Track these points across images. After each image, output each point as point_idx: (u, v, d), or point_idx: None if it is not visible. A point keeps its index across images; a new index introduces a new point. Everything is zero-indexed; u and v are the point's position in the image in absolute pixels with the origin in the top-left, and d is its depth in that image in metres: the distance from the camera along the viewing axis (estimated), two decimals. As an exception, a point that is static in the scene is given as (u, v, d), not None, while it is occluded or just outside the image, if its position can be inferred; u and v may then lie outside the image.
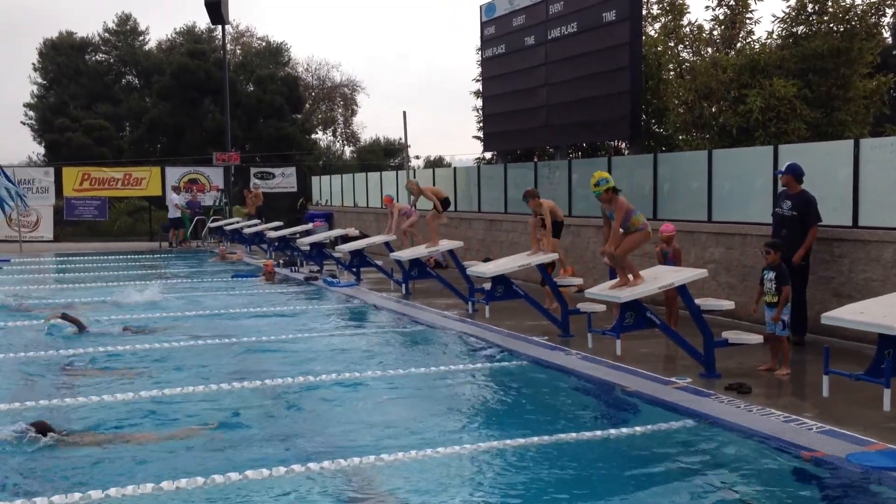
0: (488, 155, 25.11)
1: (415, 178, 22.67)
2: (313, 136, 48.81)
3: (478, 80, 23.62)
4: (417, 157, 48.57)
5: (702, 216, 12.22)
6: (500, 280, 11.14)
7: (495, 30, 19.72)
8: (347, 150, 53.22)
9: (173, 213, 26.15)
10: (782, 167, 9.53)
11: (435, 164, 44.95)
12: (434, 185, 21.45)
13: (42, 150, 43.56)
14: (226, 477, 5.52)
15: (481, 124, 22.62)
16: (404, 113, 19.10)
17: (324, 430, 6.77)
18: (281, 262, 19.61)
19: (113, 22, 46.41)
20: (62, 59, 43.58)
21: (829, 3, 15.85)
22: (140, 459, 6.04)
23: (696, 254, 11.92)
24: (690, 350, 8.26)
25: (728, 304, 8.76)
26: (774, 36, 16.96)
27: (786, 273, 8.12)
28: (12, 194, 24.20)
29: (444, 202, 14.90)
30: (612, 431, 6.56)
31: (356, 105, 53.48)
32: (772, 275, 8.10)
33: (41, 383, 8.39)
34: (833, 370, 6.80)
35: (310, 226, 23.01)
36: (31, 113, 45.06)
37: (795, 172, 9.39)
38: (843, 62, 15.58)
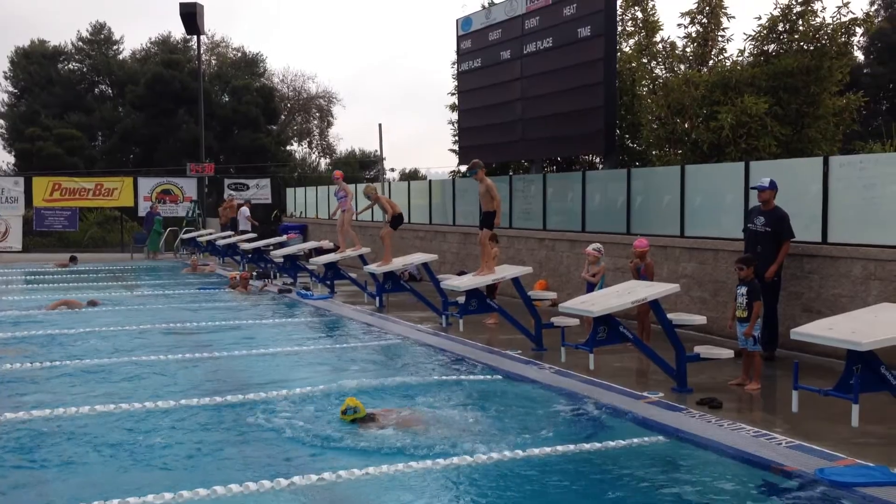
0: (463, 168, 25.16)
1: (390, 189, 22.66)
2: (288, 147, 48.69)
3: (453, 94, 23.70)
4: (393, 170, 48.59)
5: (674, 231, 12.31)
6: (474, 294, 11.13)
7: (471, 44, 19.81)
8: (323, 162, 53.12)
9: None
10: (763, 182, 9.57)
11: (410, 176, 44.95)
12: (409, 197, 21.48)
13: (12, 160, 43.09)
14: (193, 492, 5.44)
15: (457, 137, 22.68)
16: (380, 125, 19.08)
17: (295, 443, 6.70)
18: (254, 274, 19.47)
19: (87, 31, 46.13)
20: (34, 67, 43.16)
21: (800, 23, 16.09)
22: (106, 469, 5.94)
23: (668, 268, 11.99)
24: (663, 365, 8.29)
25: (700, 319, 8.81)
26: (746, 54, 17.18)
27: (757, 289, 8.19)
28: None
29: (398, 218, 14.57)
30: (585, 446, 6.56)
31: (332, 117, 53.45)
32: (743, 290, 8.18)
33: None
34: (802, 385, 6.84)
35: (284, 238, 22.88)
36: (1, 122, 44.53)
37: (776, 188, 9.49)
38: (813, 80, 15.81)
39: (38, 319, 13.30)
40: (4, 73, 44.38)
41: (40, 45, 44.41)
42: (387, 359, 10.33)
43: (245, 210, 26.19)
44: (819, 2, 16.08)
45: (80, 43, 45.61)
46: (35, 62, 43.39)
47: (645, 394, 7.90)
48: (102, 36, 46.20)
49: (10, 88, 44.45)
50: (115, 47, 46.58)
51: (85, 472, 6.04)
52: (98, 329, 12.19)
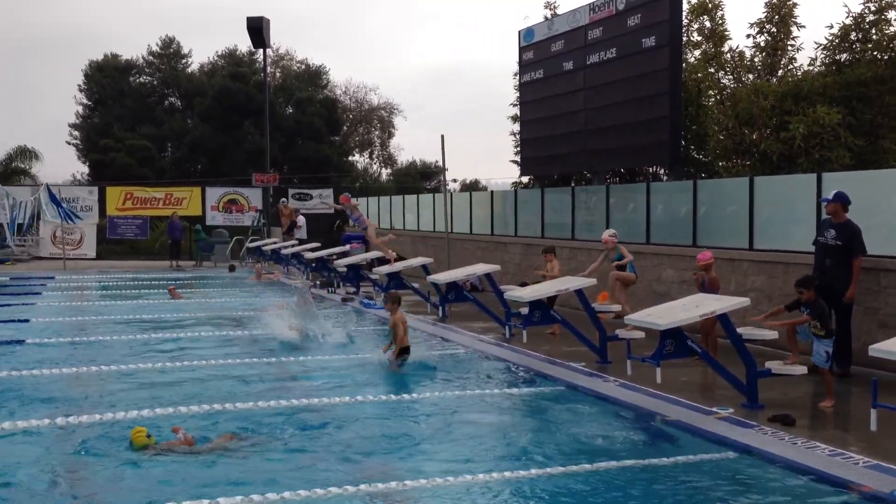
0: (525, 179, 25.13)
1: (452, 201, 22.69)
2: (350, 158, 49.21)
3: (515, 105, 23.69)
4: (455, 181, 48.64)
5: (743, 244, 12.08)
6: (538, 305, 11.07)
7: (533, 55, 19.79)
8: (384, 173, 53.59)
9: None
10: (828, 195, 9.39)
11: (471, 187, 45.02)
12: (471, 208, 21.66)
13: (86, 170, 44.45)
14: (264, 497, 5.53)
15: (518, 148, 22.67)
16: (442, 136, 19.17)
17: (360, 452, 6.76)
18: (318, 282, 19.74)
19: (157, 45, 47.39)
20: (107, 80, 44.51)
21: (873, 31, 15.70)
22: (173, 472, 6.09)
23: (736, 282, 11.77)
24: (732, 380, 8.12)
25: (771, 334, 8.60)
26: (817, 63, 16.82)
27: (820, 307, 7.96)
28: (62, 214, 24.96)
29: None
30: (652, 461, 6.46)
31: (393, 128, 53.86)
32: (808, 311, 8.02)
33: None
34: (882, 404, 6.64)
35: (347, 247, 23.12)
36: (76, 133, 46.01)
37: (843, 201, 9.25)
38: (887, 90, 15.40)
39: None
40: (79, 86, 45.83)
41: (113, 59, 45.78)
42: (449, 369, 10.33)
43: (300, 219, 26.67)
44: (893, 10, 15.59)
45: (151, 57, 46.91)
46: (108, 75, 44.76)
47: (714, 409, 7.76)
48: (172, 50, 47.43)
49: (85, 101, 45.89)
50: (183, 61, 47.78)
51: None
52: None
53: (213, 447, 6.72)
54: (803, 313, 8.05)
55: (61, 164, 77.91)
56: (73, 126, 46.18)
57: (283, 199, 28.75)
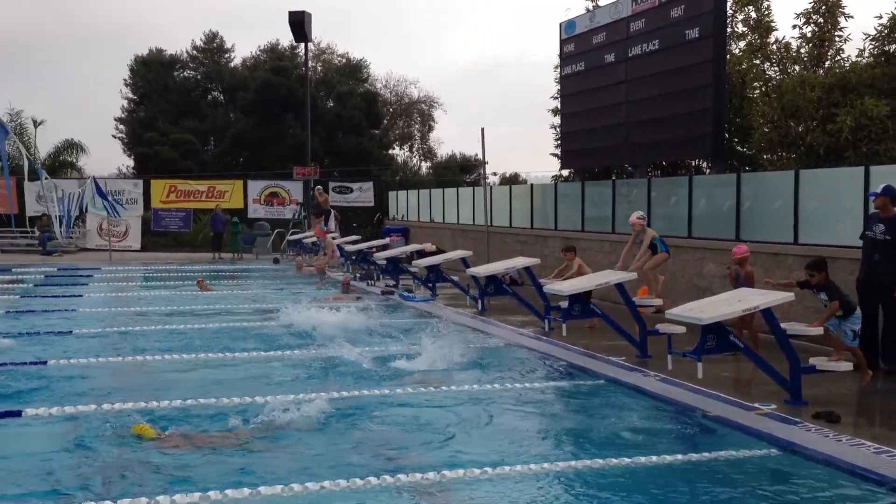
0: (565, 172, 24.99)
1: (491, 194, 22.67)
2: (390, 151, 49.33)
3: (556, 98, 23.56)
4: (495, 174, 48.45)
5: (787, 238, 11.90)
6: (578, 298, 11.02)
7: (574, 47, 19.66)
8: (424, 166, 53.60)
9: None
10: (877, 188, 9.23)
11: (511, 180, 44.85)
12: (511, 201, 21.59)
13: (131, 163, 45.16)
14: (303, 486, 5.59)
15: (559, 141, 22.54)
16: (482, 130, 19.14)
17: (398, 443, 6.80)
18: (358, 275, 19.87)
19: (200, 40, 47.94)
20: (152, 75, 45.13)
21: (925, 20, 15.33)
22: (235, 461, 6.18)
23: (780, 276, 11.57)
24: (776, 375, 8.01)
25: (816, 331, 8.47)
26: (866, 54, 16.47)
27: (834, 289, 8.27)
28: (107, 207, 25.39)
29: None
30: (693, 456, 6.40)
31: (433, 121, 53.83)
32: (823, 295, 8.29)
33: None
34: (929, 401, 6.51)
35: (386, 240, 23.22)
36: (121, 127, 46.75)
37: (892, 195, 9.07)
38: (939, 81, 15.04)
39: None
40: (125, 80, 46.54)
41: (158, 54, 46.39)
42: (489, 362, 10.33)
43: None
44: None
45: (195, 51, 47.46)
46: (153, 70, 45.38)
47: (756, 405, 7.66)
48: (215, 44, 47.94)
49: (130, 95, 46.59)
50: (226, 55, 48.26)
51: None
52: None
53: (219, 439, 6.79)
54: (817, 295, 8.11)
55: (107, 157, 79.36)
56: (119, 120, 46.93)
57: (319, 186, 28.63)
